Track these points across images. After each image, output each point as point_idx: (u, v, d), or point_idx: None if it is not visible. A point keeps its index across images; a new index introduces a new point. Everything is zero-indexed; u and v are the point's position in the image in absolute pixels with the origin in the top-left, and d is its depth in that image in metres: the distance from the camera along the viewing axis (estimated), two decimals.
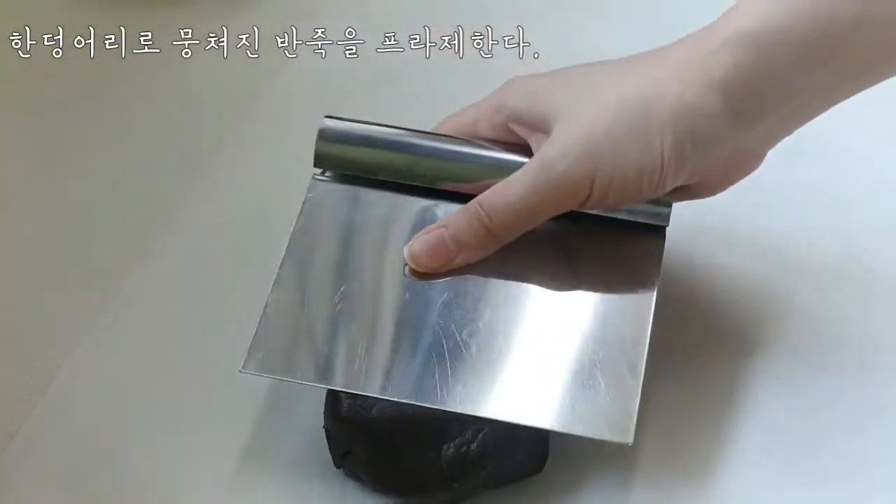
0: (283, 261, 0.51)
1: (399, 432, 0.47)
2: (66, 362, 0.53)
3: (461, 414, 0.46)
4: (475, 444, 0.47)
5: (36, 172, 0.63)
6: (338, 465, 0.48)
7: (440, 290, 0.50)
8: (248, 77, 0.69)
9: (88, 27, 0.72)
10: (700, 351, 0.53)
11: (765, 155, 0.49)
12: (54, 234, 0.60)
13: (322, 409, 0.48)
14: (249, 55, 0.71)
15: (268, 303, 0.50)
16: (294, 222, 0.52)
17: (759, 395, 0.52)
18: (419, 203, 0.52)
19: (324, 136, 0.53)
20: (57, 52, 0.70)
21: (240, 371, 0.48)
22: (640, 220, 0.50)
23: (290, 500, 0.48)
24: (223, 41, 0.71)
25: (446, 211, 0.51)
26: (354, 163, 0.53)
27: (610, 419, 0.46)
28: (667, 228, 0.50)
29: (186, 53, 0.70)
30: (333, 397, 0.47)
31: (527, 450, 0.48)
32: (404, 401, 0.46)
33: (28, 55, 0.71)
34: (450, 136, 0.53)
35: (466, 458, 0.46)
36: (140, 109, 0.67)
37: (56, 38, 0.71)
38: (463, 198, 0.50)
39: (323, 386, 0.47)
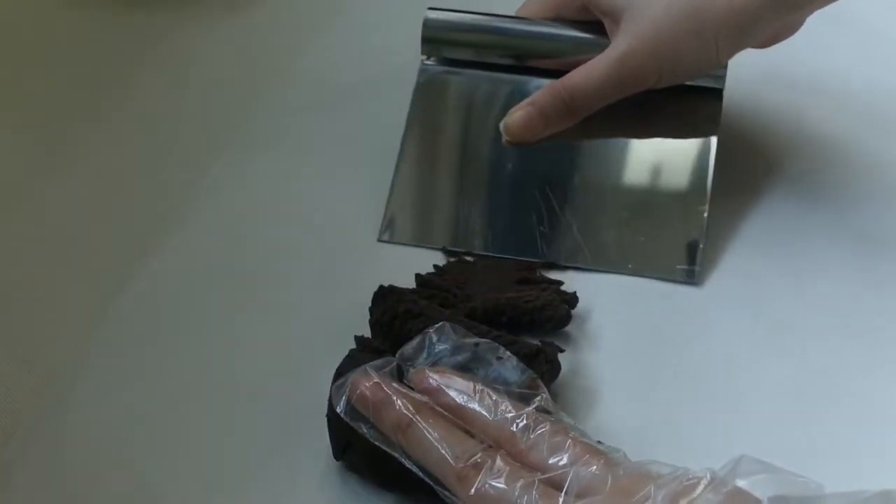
0: (402, 141, 0.61)
1: None
2: (66, 362, 0.53)
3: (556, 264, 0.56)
4: None
5: (36, 172, 0.63)
6: (337, 457, 0.47)
7: (537, 158, 0.60)
8: (249, 76, 0.69)
9: (88, 27, 0.72)
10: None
11: (804, 20, 0.59)
12: (55, 233, 0.60)
13: (325, 401, 0.48)
14: (251, 54, 0.71)
15: (394, 180, 0.59)
16: (409, 105, 0.62)
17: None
18: (513, 80, 0.62)
19: (427, 25, 0.62)
20: (57, 52, 0.71)
21: (377, 241, 0.58)
22: (700, 83, 0.60)
23: (290, 497, 0.48)
24: (224, 41, 0.72)
25: (536, 86, 0.60)
26: (455, 47, 0.63)
27: (680, 265, 0.56)
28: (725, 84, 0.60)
29: (188, 53, 0.70)
30: None
31: None
32: (508, 257, 0.57)
33: (28, 55, 0.71)
34: (535, 20, 0.62)
35: None
36: (141, 109, 0.67)
37: (56, 37, 0.71)
38: (549, 73, 0.60)
39: (446, 248, 0.57)
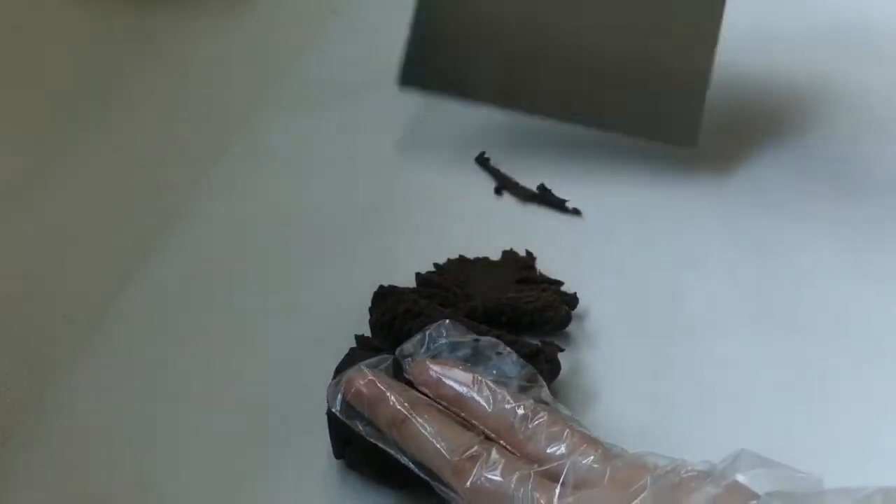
0: None
1: None
2: (66, 362, 0.53)
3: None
4: None
5: (36, 172, 0.63)
6: (338, 455, 0.47)
7: (554, 13, 0.59)
8: (249, 76, 0.69)
9: (88, 27, 0.72)
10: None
11: None
12: (55, 233, 0.60)
13: (325, 400, 0.48)
14: (251, 54, 0.71)
15: (413, 22, 0.60)
16: None
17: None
18: None
19: None
20: (57, 52, 0.71)
21: (399, 89, 0.60)
22: None
23: (290, 495, 0.48)
24: (224, 41, 0.72)
25: None
26: None
27: (679, 128, 0.57)
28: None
29: (188, 53, 0.70)
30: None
31: None
32: (529, 114, 0.59)
33: (28, 55, 0.71)
34: None
35: None
36: (141, 109, 0.67)
37: (56, 37, 0.71)
38: None
39: (465, 103, 0.59)
